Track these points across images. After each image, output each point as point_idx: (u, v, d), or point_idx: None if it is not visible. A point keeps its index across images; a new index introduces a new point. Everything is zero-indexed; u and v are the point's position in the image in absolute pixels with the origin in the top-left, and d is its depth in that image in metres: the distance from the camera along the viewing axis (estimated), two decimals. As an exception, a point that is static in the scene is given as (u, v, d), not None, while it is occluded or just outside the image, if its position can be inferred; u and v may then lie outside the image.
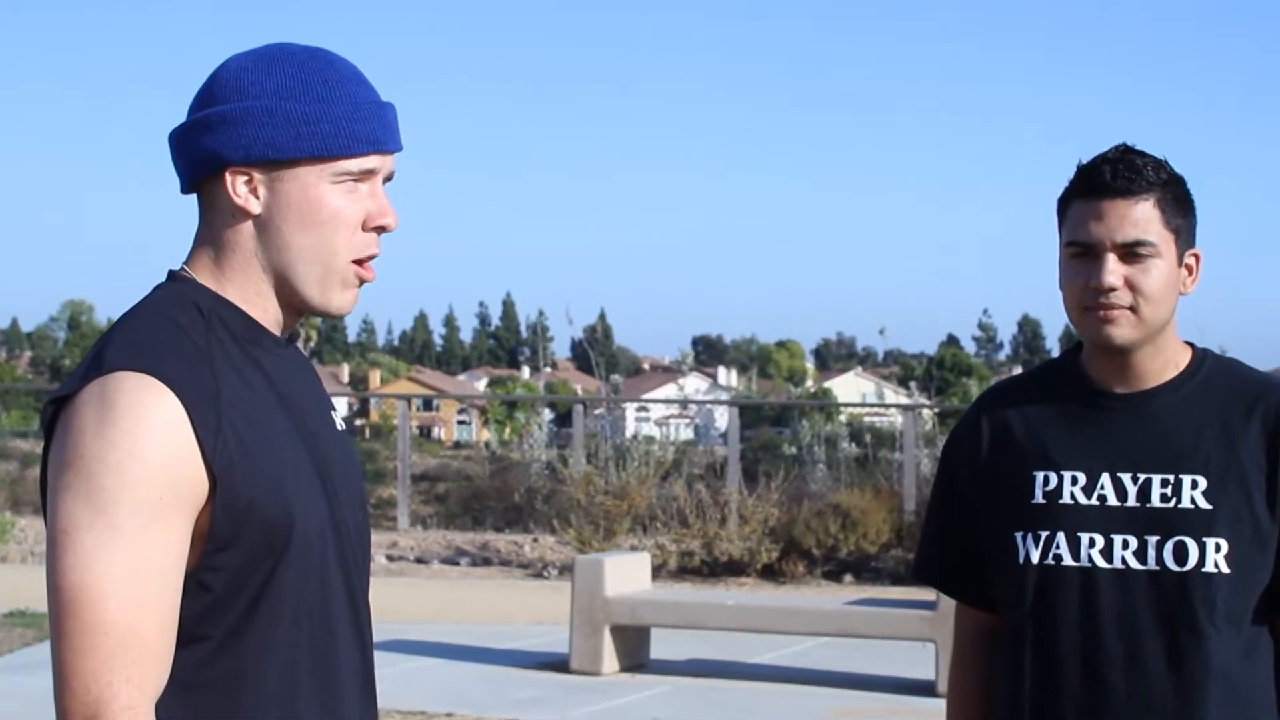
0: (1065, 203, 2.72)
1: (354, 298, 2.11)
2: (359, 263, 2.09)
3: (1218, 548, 2.63)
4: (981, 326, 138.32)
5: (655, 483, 16.99)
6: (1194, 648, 2.63)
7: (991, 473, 2.79)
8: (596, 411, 23.43)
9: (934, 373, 74.61)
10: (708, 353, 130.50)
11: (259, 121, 2.03)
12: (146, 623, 1.88)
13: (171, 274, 2.09)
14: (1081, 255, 2.67)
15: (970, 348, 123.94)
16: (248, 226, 2.05)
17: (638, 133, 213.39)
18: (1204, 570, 2.63)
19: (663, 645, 10.71)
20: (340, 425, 2.19)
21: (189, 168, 2.08)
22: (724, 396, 54.70)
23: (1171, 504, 2.66)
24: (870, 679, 10.03)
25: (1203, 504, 2.65)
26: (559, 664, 10.35)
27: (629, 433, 26.93)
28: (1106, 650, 2.65)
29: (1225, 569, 2.63)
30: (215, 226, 2.07)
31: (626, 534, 16.43)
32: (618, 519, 16.37)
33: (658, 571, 14.17)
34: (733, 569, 15.67)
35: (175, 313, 2.01)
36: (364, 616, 2.12)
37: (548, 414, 26.87)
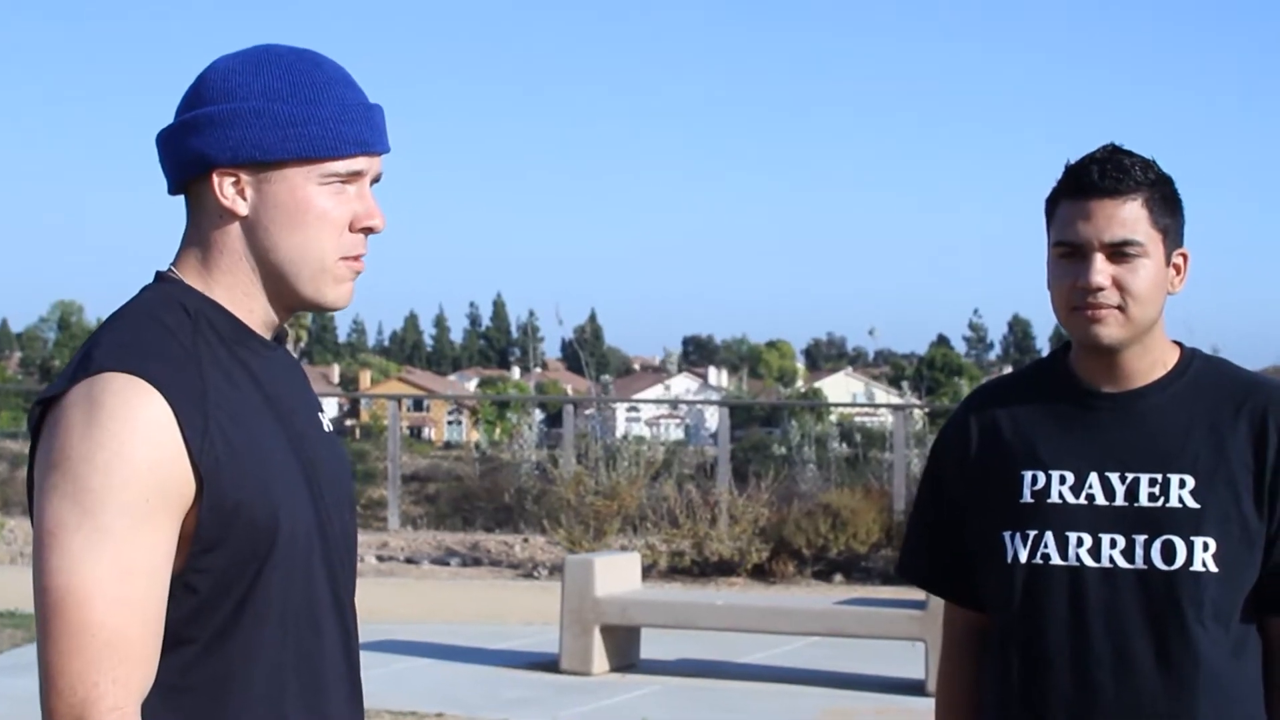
0: (1053, 202, 2.73)
1: (349, 291, 2.11)
2: (347, 259, 2.09)
3: (1206, 547, 2.64)
4: (972, 326, 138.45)
5: (645, 483, 16.99)
6: (1182, 647, 2.63)
7: (980, 472, 2.79)
8: (587, 412, 23.42)
9: (924, 373, 74.67)
10: (698, 353, 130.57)
11: (246, 123, 2.02)
12: (133, 624, 1.87)
13: (159, 275, 2.09)
14: (1069, 255, 2.68)
15: (961, 348, 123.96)
16: (235, 228, 2.05)
17: (629, 133, 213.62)
18: (1192, 569, 2.63)
19: (653, 645, 10.71)
20: (328, 427, 2.19)
21: (176, 169, 2.07)
22: (714, 397, 54.72)
23: (1159, 503, 2.66)
24: (860, 678, 10.04)
25: (1191, 503, 2.65)
26: (549, 664, 10.35)
27: (619, 433, 26.92)
28: (1095, 649, 2.66)
29: (1213, 568, 2.63)
30: (203, 228, 2.07)
31: (617, 534, 16.43)
32: (608, 519, 16.38)
33: (648, 571, 14.18)
34: (723, 569, 15.68)
35: (162, 314, 2.01)
36: (349, 617, 2.12)
37: (538, 414, 26.88)
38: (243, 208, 2.04)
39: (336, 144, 2.05)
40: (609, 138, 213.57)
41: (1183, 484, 2.66)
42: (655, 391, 70.53)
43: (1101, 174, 2.66)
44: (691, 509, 16.06)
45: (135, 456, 1.88)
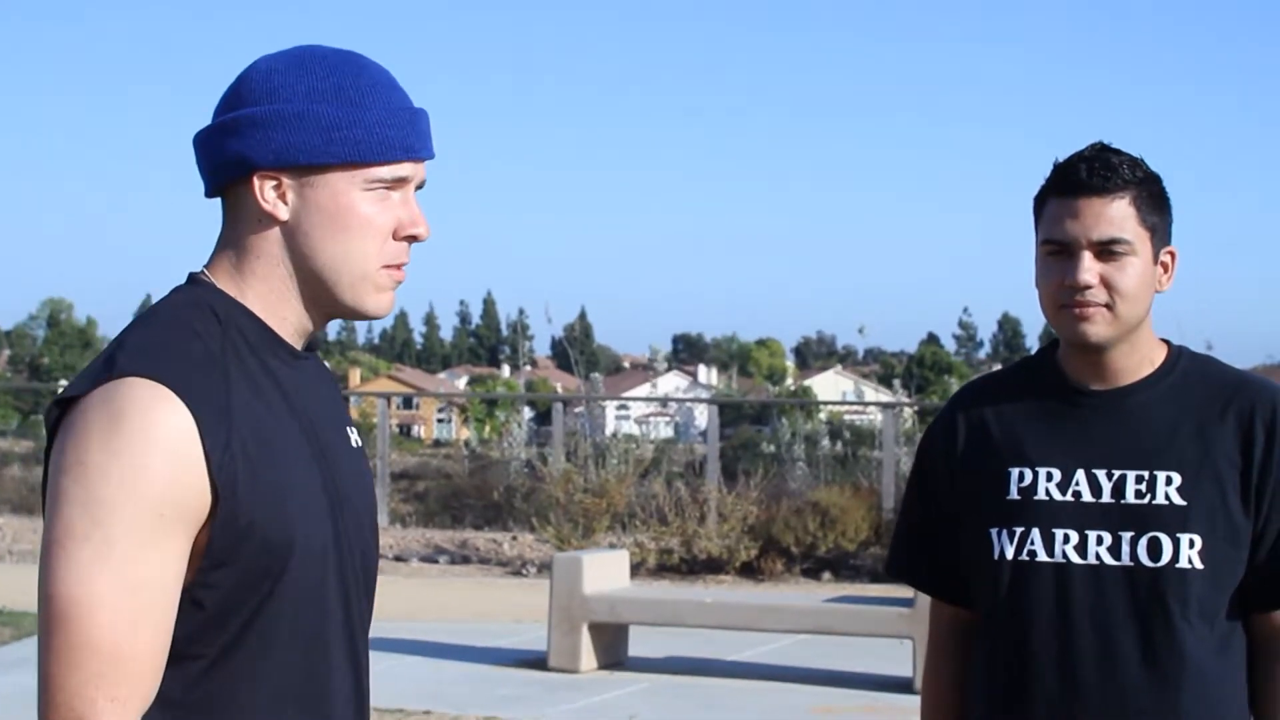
0: (1041, 201, 2.73)
1: (390, 300, 2.05)
2: (389, 267, 2.03)
3: (1192, 544, 2.64)
4: (961, 325, 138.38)
5: (634, 481, 17.00)
6: (1168, 643, 2.64)
7: (967, 469, 2.80)
8: (576, 410, 23.40)
9: (914, 371, 74.68)
10: (688, 351, 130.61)
11: (290, 125, 1.96)
12: (137, 641, 1.82)
13: (192, 277, 2.02)
14: (1057, 253, 2.68)
15: (950, 346, 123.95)
16: (274, 233, 1.99)
17: (619, 132, 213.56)
18: (1178, 566, 2.64)
19: (641, 643, 10.71)
20: (356, 442, 2.13)
21: (215, 171, 2.01)
22: (704, 395, 54.73)
23: (1146, 500, 2.67)
24: (848, 676, 10.04)
25: (1177, 500, 2.66)
26: (538, 661, 10.35)
27: (609, 431, 26.88)
28: (1080, 646, 2.66)
29: (1199, 565, 2.64)
30: (240, 231, 2.00)
31: (605, 532, 16.42)
32: (597, 517, 16.37)
33: (636, 569, 14.18)
34: (711, 567, 15.68)
35: (191, 318, 1.95)
36: (360, 639, 2.06)
37: (527, 412, 26.89)
38: (283, 212, 1.98)
39: (382, 149, 1.99)
40: (599, 136, 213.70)
41: (1169, 481, 2.67)
42: (645, 389, 70.54)
43: (1089, 172, 2.66)
44: (680, 507, 16.05)
45: (152, 468, 1.82)
